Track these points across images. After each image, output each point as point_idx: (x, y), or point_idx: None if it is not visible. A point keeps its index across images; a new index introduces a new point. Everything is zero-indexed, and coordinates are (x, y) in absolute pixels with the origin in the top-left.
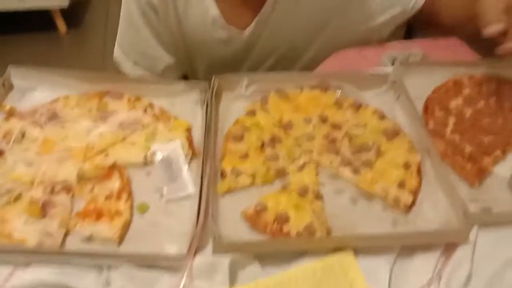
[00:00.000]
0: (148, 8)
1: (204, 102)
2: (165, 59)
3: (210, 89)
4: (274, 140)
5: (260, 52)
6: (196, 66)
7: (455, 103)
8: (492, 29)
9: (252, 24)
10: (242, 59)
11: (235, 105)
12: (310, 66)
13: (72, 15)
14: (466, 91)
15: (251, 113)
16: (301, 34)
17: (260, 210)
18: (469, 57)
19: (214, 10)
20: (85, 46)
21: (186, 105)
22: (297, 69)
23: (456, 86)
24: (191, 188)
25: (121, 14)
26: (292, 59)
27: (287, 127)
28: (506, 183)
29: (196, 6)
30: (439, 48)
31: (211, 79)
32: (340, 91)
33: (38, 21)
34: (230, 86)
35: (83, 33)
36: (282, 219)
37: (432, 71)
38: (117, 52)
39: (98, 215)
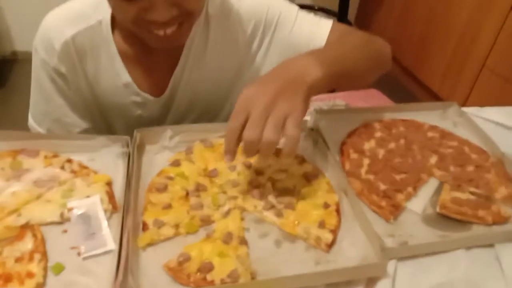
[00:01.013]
0: (56, 76)
1: (126, 155)
2: (80, 124)
3: (132, 142)
4: (199, 189)
5: (177, 112)
6: (114, 128)
7: (369, 145)
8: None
9: (167, 91)
10: (160, 119)
11: (159, 156)
12: None
13: None
14: (378, 134)
15: (176, 163)
16: (214, 92)
17: (183, 261)
18: (385, 104)
19: (125, 77)
20: (7, 107)
21: (107, 159)
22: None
23: (368, 129)
24: (111, 244)
25: (31, 82)
26: (211, 116)
27: (212, 175)
28: (420, 217)
29: (106, 72)
30: (359, 98)
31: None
32: None
33: None
34: (153, 139)
35: (6, 93)
36: (206, 268)
37: (345, 117)
38: (31, 121)
39: (6, 279)
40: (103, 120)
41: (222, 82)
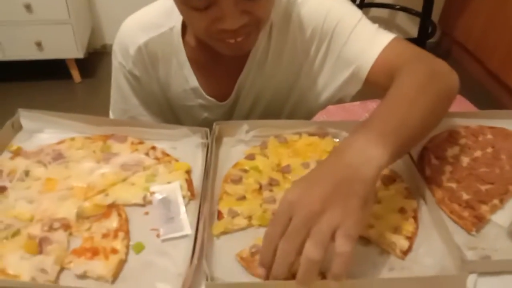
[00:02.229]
0: (132, 78)
1: (205, 146)
2: None
3: (211, 134)
4: (272, 183)
5: (239, 115)
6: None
7: (452, 152)
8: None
9: (231, 96)
10: (225, 118)
11: (235, 149)
12: None
13: (87, 65)
14: (463, 141)
15: (251, 157)
16: (274, 96)
17: (255, 252)
18: (468, 109)
19: (193, 82)
20: (97, 95)
21: (188, 148)
22: None
23: (452, 135)
24: (188, 229)
25: (112, 81)
26: (270, 118)
27: (285, 171)
28: (505, 231)
29: (176, 77)
30: None
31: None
32: (337, 139)
33: (54, 69)
34: (231, 132)
35: (96, 82)
36: None
37: None
38: (111, 116)
39: (94, 253)
40: (175, 120)
41: (282, 86)
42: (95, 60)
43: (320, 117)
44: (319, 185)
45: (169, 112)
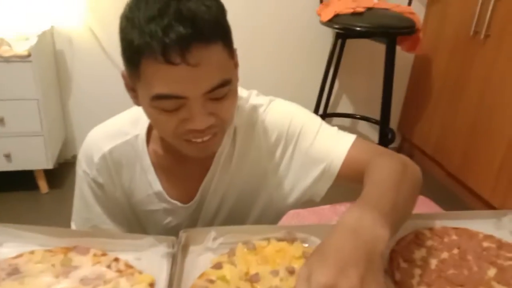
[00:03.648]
0: (95, 186)
1: (171, 255)
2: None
3: (177, 243)
4: None
5: (205, 219)
6: (149, 234)
7: (419, 254)
8: None
9: (195, 198)
10: (190, 224)
11: (202, 258)
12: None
13: (55, 175)
14: (429, 242)
15: (218, 266)
16: (240, 198)
17: None
18: (432, 210)
19: (157, 186)
20: (64, 206)
21: (153, 259)
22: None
23: (418, 237)
24: None
25: (75, 191)
26: (236, 222)
27: (253, 280)
28: None
29: (140, 182)
30: None
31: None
32: (307, 244)
33: (21, 180)
34: (198, 239)
35: (63, 193)
36: None
37: None
38: (73, 227)
39: None
40: (138, 226)
41: (248, 188)
42: (64, 171)
43: (291, 221)
44: (352, 265)
45: (133, 220)
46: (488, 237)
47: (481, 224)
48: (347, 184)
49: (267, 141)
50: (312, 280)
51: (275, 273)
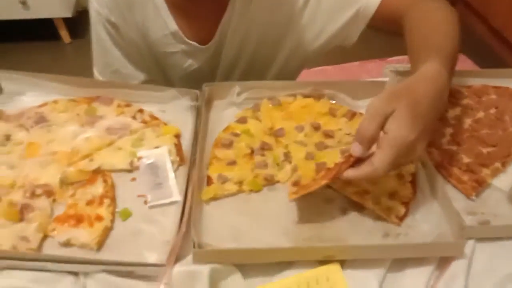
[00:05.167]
0: (110, 27)
1: (195, 109)
2: (138, 76)
3: (201, 96)
4: (264, 148)
5: (225, 63)
6: (171, 80)
7: (453, 113)
8: (355, 150)
9: (214, 39)
10: (211, 69)
11: (227, 112)
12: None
13: (76, 25)
14: (465, 101)
15: (242, 120)
16: (261, 46)
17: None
18: (470, 68)
19: (172, 25)
20: (88, 56)
21: (177, 111)
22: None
23: (454, 96)
24: (176, 195)
25: (92, 35)
26: (258, 73)
27: (278, 134)
28: (506, 196)
29: (154, 20)
30: None
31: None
32: (334, 101)
33: (42, 30)
34: (222, 94)
35: (87, 43)
36: None
37: None
38: (95, 73)
39: (78, 220)
40: (159, 71)
41: (268, 37)
42: (84, 20)
43: (317, 78)
44: (422, 118)
45: (153, 64)
46: None
47: None
48: (380, 26)
49: None
50: (396, 132)
51: (300, 128)
